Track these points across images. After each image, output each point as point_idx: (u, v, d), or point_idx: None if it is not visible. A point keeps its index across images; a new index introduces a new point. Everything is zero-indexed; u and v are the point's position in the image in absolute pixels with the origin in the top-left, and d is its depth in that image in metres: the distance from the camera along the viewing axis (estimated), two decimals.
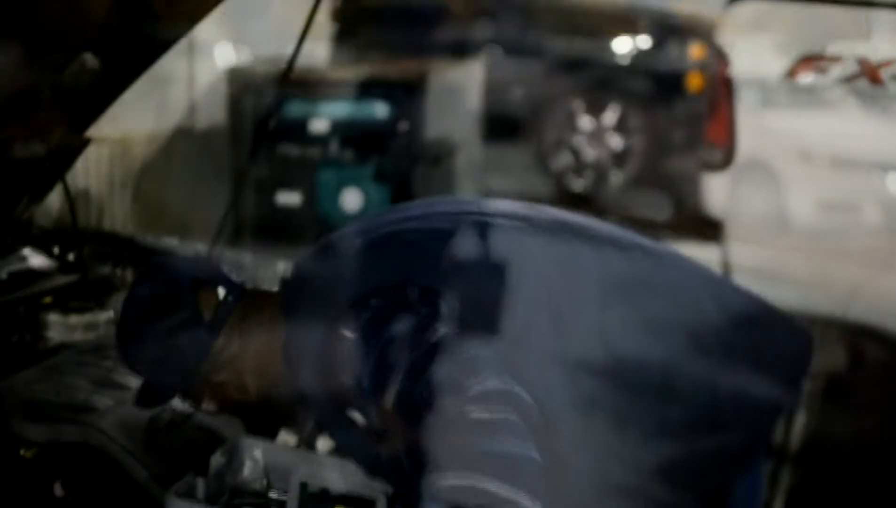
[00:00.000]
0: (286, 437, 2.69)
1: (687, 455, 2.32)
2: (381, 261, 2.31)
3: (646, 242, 2.52)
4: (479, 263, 2.30)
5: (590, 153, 10.48)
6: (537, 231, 2.41)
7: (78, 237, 3.35)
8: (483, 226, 2.38)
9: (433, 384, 2.10)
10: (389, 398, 2.16)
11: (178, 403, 2.60)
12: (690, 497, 2.36)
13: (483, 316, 2.23)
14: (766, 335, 2.42)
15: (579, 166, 10.46)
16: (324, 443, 2.62)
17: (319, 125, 7.43)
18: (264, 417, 2.55)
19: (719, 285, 2.49)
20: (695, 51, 10.03)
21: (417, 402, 2.11)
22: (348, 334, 2.24)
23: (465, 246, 2.32)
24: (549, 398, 2.22)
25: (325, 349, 2.27)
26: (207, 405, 2.41)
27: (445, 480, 1.98)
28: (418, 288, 2.24)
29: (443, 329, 2.17)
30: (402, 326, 2.19)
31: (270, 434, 2.71)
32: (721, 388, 2.31)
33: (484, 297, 2.25)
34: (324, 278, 2.36)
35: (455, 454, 2.00)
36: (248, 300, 2.41)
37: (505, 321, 2.23)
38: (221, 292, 2.37)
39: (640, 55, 10.65)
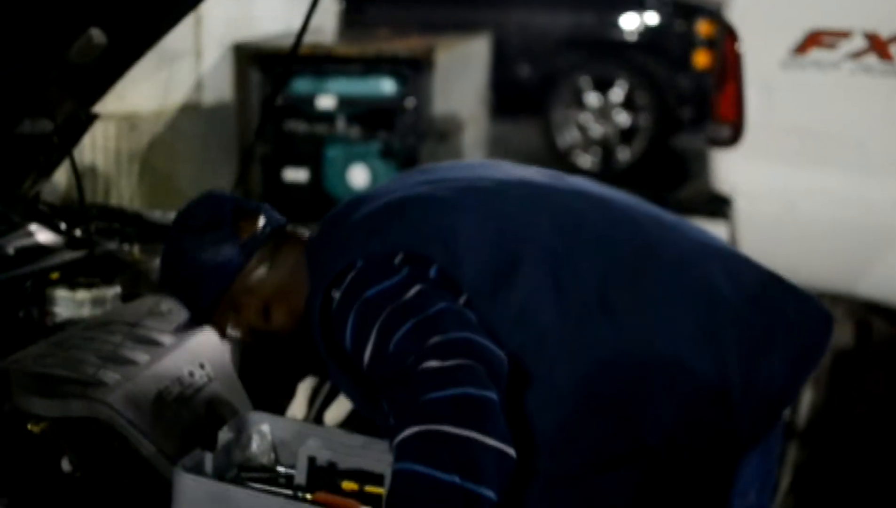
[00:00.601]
0: (310, 382, 2.69)
1: (691, 433, 2.30)
2: (381, 225, 2.32)
3: (660, 212, 2.50)
4: (482, 230, 2.29)
5: (597, 130, 10.47)
6: (546, 201, 2.40)
7: (85, 213, 3.35)
8: (490, 195, 2.38)
9: (398, 342, 2.11)
10: (365, 358, 2.18)
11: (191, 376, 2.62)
12: (691, 473, 2.35)
13: (484, 288, 2.23)
14: (781, 313, 2.40)
15: (586, 143, 10.45)
16: (332, 416, 2.62)
17: (326, 102, 7.43)
18: (286, 355, 2.55)
19: (734, 260, 2.47)
20: (702, 27, 10.02)
21: (385, 361, 2.13)
22: (335, 294, 2.27)
23: (469, 216, 2.31)
24: (552, 373, 2.21)
25: (322, 309, 2.30)
26: (232, 331, 2.45)
27: (403, 434, 1.98)
28: (406, 253, 2.25)
29: (417, 288, 2.18)
30: (381, 286, 2.21)
31: (290, 385, 2.72)
32: (731, 365, 2.30)
33: (485, 269, 2.24)
34: (337, 237, 2.37)
35: (409, 407, 2.01)
36: (284, 237, 2.48)
37: (507, 294, 2.23)
38: (262, 221, 2.45)
39: (647, 32, 10.64)
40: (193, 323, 2.54)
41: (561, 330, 2.23)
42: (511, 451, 1.98)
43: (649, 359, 2.25)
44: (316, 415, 2.67)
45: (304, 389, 2.70)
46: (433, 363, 2.02)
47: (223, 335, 2.49)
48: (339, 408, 2.64)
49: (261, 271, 2.43)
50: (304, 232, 2.52)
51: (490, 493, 1.95)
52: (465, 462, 1.93)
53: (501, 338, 2.17)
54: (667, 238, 2.41)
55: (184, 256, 2.45)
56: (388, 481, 2.15)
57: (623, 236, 2.36)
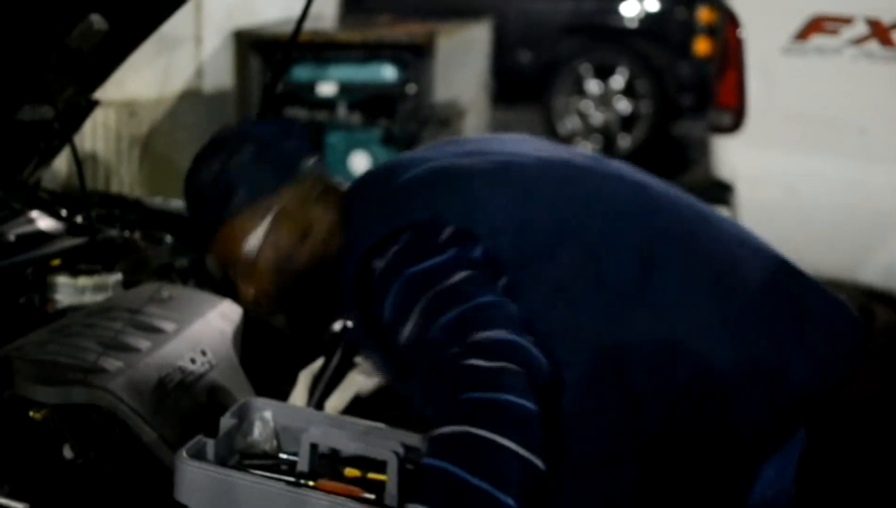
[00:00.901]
0: (310, 370, 2.68)
1: (711, 428, 2.26)
2: (426, 194, 2.27)
3: (695, 201, 2.46)
4: (522, 207, 2.26)
5: (597, 117, 10.47)
6: (588, 184, 2.37)
7: (86, 200, 3.34)
8: (532, 172, 2.34)
9: (442, 328, 2.08)
10: (404, 334, 2.15)
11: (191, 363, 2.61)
12: (699, 473, 2.30)
13: (522, 262, 2.20)
14: (810, 318, 2.35)
15: (587, 130, 10.45)
16: (333, 405, 2.61)
17: (327, 88, 7.42)
18: (289, 302, 2.44)
19: (768, 258, 2.41)
20: (703, 14, 10.01)
21: (427, 345, 2.10)
22: (378, 263, 2.21)
23: (511, 192, 2.28)
24: (578, 352, 2.17)
25: (358, 274, 2.25)
26: (247, 296, 2.38)
27: (440, 429, 1.97)
28: (453, 228, 2.21)
29: (464, 274, 2.14)
30: (427, 264, 2.16)
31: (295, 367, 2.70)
32: (754, 363, 2.25)
33: (525, 242, 2.22)
34: (379, 199, 2.33)
35: (449, 402, 1.99)
36: (326, 185, 2.41)
37: (544, 273, 2.21)
38: (310, 161, 2.39)
39: (648, 18, 10.63)
40: (196, 239, 2.42)
41: (593, 315, 2.20)
42: (542, 465, 1.97)
43: (675, 351, 2.20)
44: (317, 404, 2.66)
45: (304, 377, 2.69)
46: (478, 362, 2.00)
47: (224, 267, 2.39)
48: (341, 397, 2.64)
49: (292, 203, 2.35)
50: (345, 185, 2.46)
51: (514, 503, 1.94)
52: (496, 468, 1.93)
53: (535, 320, 2.14)
54: (703, 229, 2.36)
55: (216, 159, 2.36)
56: (391, 467, 2.15)
57: (662, 226, 2.32)
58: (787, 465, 2.41)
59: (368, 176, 2.45)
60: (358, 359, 2.75)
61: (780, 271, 2.40)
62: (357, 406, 2.62)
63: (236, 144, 2.37)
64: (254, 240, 2.33)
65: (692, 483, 2.28)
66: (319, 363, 2.70)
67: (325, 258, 2.35)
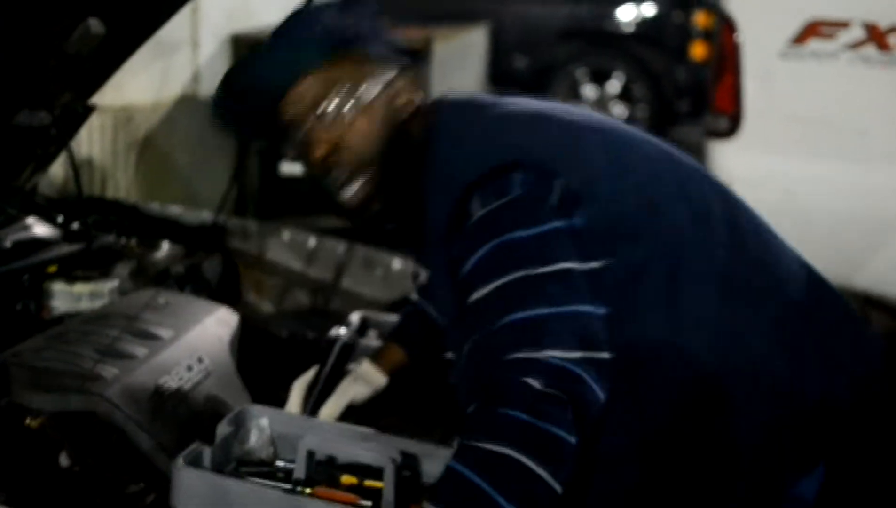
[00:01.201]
0: (305, 379, 2.64)
1: (711, 430, 2.22)
2: (538, 133, 2.19)
3: (750, 209, 2.40)
4: (619, 174, 2.19)
5: None
6: (681, 177, 2.31)
7: (82, 206, 3.34)
8: (628, 145, 2.29)
9: (513, 325, 2.03)
10: (474, 296, 2.08)
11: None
12: (714, 480, 2.26)
13: (612, 238, 2.13)
14: (835, 331, 2.32)
15: None
16: (328, 413, 2.60)
17: None
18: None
19: (816, 281, 2.37)
20: (700, 19, 10.02)
21: (492, 329, 2.04)
22: (478, 207, 2.10)
23: (605, 149, 2.22)
24: (637, 347, 2.13)
25: (452, 211, 2.14)
26: (322, 150, 2.24)
27: (480, 442, 1.95)
28: (563, 184, 2.10)
29: (558, 266, 2.05)
30: (529, 233, 2.06)
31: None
32: (754, 362, 2.22)
33: (618, 221, 2.15)
34: (476, 123, 2.24)
35: (497, 415, 1.96)
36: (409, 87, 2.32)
37: (630, 249, 2.14)
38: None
39: (644, 23, 10.64)
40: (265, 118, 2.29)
41: (634, 309, 2.13)
42: (561, 492, 1.95)
43: (679, 351, 2.16)
44: (311, 412, 2.65)
45: (298, 387, 2.68)
46: (533, 383, 1.96)
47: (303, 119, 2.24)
48: (336, 404, 2.63)
49: (400, 82, 2.27)
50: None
51: None
52: (529, 498, 1.92)
53: (600, 298, 2.08)
54: (770, 244, 2.33)
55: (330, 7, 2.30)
56: (388, 474, 2.14)
57: (743, 230, 2.28)
58: (810, 485, 2.35)
59: (453, 97, 2.35)
60: (351, 366, 2.74)
61: (805, 278, 2.35)
62: (351, 414, 2.62)
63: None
64: (363, 97, 2.25)
65: (695, 488, 2.25)
66: (313, 372, 2.69)
67: (410, 153, 2.25)
